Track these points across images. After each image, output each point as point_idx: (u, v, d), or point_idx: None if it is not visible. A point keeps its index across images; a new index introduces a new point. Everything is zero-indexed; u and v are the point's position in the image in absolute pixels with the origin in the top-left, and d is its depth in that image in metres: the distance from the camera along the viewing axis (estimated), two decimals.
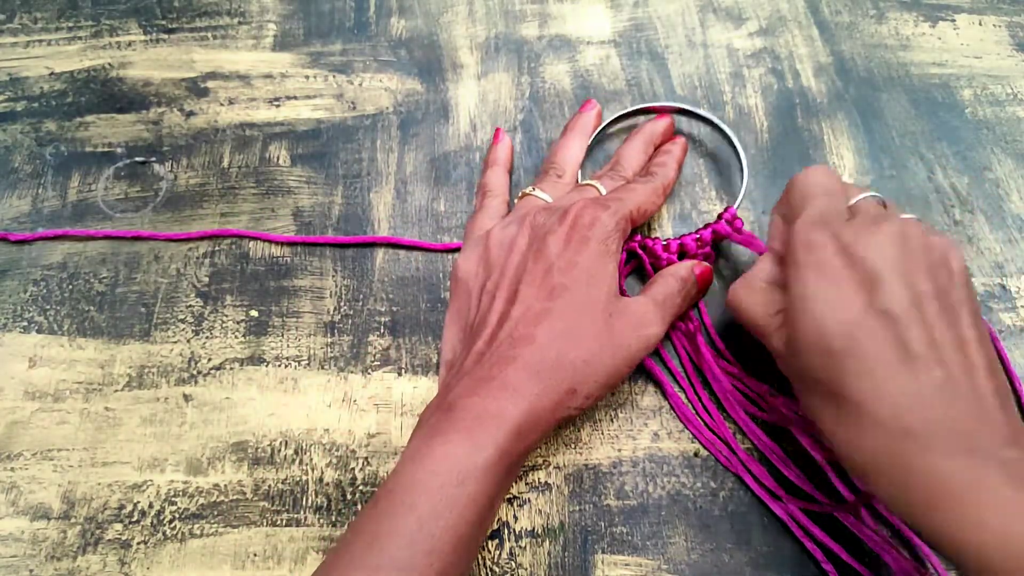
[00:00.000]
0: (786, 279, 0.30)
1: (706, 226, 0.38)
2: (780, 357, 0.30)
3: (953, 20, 0.49)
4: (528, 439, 0.29)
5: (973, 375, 0.26)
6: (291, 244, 0.41)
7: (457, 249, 0.40)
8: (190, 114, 0.46)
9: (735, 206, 0.38)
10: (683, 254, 0.38)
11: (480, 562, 0.32)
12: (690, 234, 0.38)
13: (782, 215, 0.34)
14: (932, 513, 0.23)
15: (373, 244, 0.40)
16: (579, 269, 0.32)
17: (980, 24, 0.49)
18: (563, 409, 0.30)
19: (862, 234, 0.28)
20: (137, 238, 0.41)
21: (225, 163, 0.44)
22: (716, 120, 0.42)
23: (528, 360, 0.29)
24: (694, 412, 0.36)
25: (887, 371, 0.26)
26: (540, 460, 0.35)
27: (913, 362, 0.26)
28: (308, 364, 0.37)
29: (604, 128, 0.43)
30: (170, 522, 0.33)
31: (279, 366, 0.37)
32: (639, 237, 0.39)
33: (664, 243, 0.38)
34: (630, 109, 0.44)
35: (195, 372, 0.37)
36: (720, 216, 0.38)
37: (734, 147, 0.41)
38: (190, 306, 0.39)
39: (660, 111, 0.43)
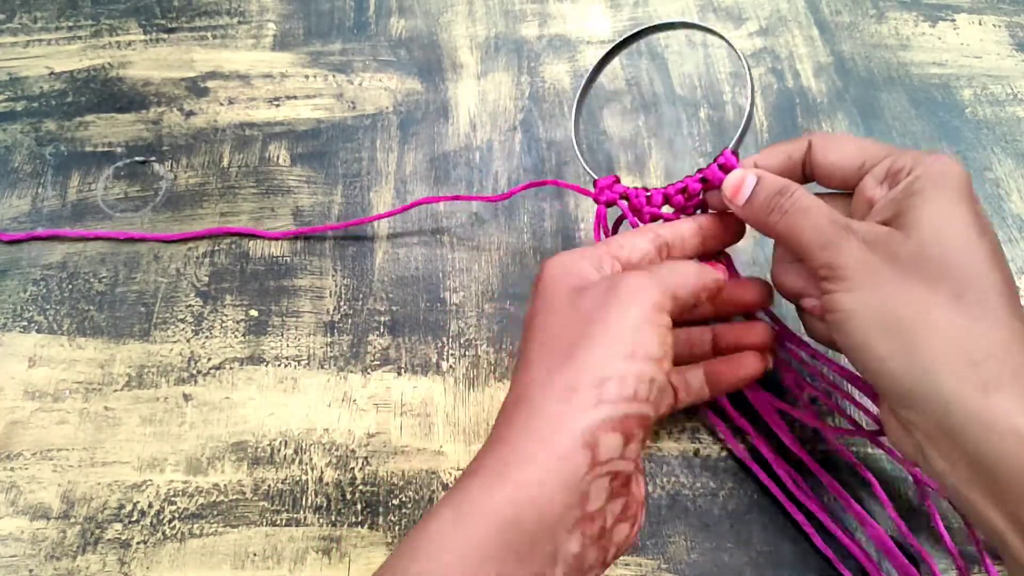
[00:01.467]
0: (912, 183, 0.27)
1: (697, 172, 0.33)
2: (865, 241, 0.26)
3: (953, 20, 0.49)
4: None
5: None
6: (294, 239, 0.41)
7: (491, 200, 0.39)
8: (190, 114, 0.46)
9: (730, 147, 0.32)
10: (672, 207, 0.34)
11: None
12: (676, 183, 0.33)
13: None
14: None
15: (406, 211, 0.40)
16: None
17: (980, 24, 0.49)
18: None
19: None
20: (131, 239, 0.41)
21: (225, 163, 0.44)
22: (724, 37, 0.35)
23: None
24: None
25: (1017, 299, 0.25)
26: None
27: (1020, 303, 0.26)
28: (308, 364, 0.37)
29: (602, 61, 0.39)
30: (170, 522, 0.33)
31: (279, 366, 0.37)
32: (620, 188, 0.34)
33: (648, 194, 0.34)
34: (630, 33, 0.38)
35: (195, 372, 0.37)
36: (715, 160, 0.32)
37: (746, 68, 0.34)
38: (190, 306, 0.39)
39: (661, 28, 0.38)
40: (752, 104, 0.32)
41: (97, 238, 0.41)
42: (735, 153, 0.32)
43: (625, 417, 0.23)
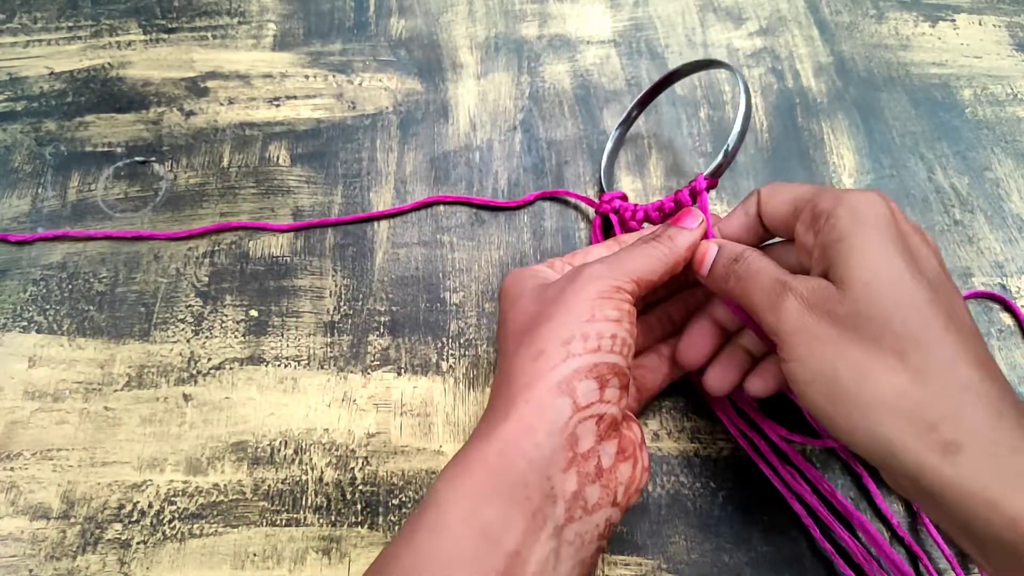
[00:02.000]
0: (835, 225, 0.26)
1: (675, 193, 0.36)
2: (804, 300, 0.26)
3: (953, 20, 0.49)
4: None
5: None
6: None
7: (503, 208, 0.42)
8: (190, 114, 0.46)
9: (705, 173, 0.35)
10: (649, 222, 0.37)
11: None
12: (654, 203, 0.37)
13: (735, 237, 0.32)
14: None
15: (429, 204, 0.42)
16: None
17: (980, 24, 0.49)
18: None
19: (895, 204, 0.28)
20: (137, 238, 0.41)
21: (225, 163, 0.44)
22: (729, 65, 0.38)
23: None
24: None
25: (970, 337, 0.25)
26: None
27: (978, 336, 0.26)
28: (308, 364, 0.37)
29: (620, 132, 0.43)
30: (170, 522, 0.33)
31: (279, 366, 0.37)
32: (617, 204, 0.38)
33: (633, 208, 0.38)
34: (654, 83, 0.42)
35: (195, 372, 0.37)
36: (690, 184, 0.35)
37: (748, 100, 0.36)
38: (190, 306, 0.39)
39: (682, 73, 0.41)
40: (739, 141, 0.35)
41: (105, 237, 0.41)
42: (709, 179, 0.35)
43: (594, 365, 0.26)
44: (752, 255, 0.29)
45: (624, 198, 0.39)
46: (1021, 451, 0.22)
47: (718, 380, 0.32)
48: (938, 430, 0.23)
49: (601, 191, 0.41)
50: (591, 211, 0.41)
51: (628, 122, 0.44)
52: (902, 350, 0.24)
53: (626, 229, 0.38)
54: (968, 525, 0.22)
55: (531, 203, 0.42)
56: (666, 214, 0.37)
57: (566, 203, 0.42)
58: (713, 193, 0.42)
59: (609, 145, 0.43)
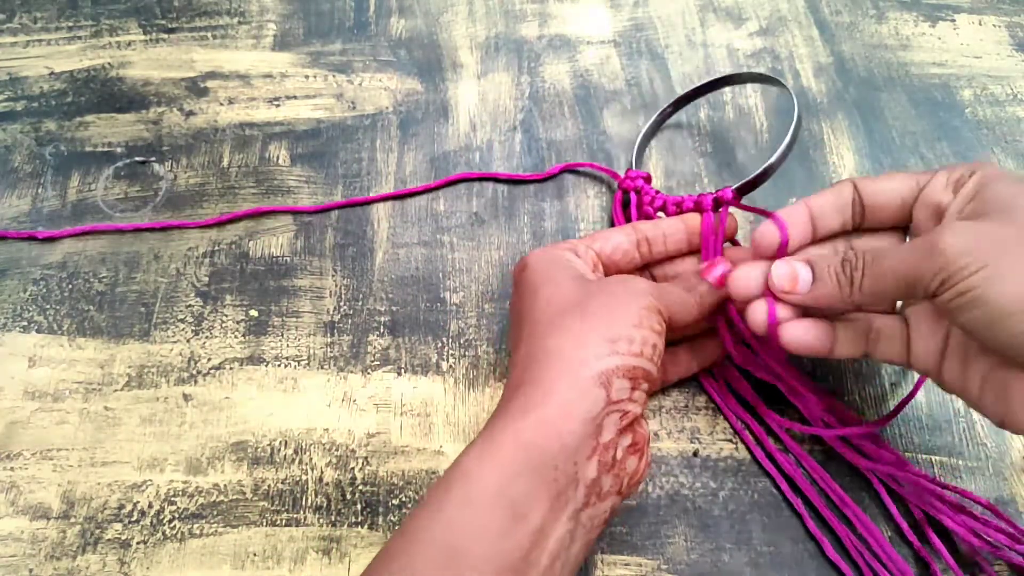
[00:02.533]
0: (980, 180, 0.27)
1: (699, 195, 0.37)
2: (973, 226, 0.26)
3: (953, 20, 0.49)
4: None
5: None
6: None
7: (530, 180, 0.43)
8: (190, 114, 0.46)
9: (733, 187, 0.36)
10: (664, 213, 0.38)
11: None
12: (676, 197, 0.38)
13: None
14: None
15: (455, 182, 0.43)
16: None
17: (980, 24, 0.49)
18: None
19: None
20: (164, 228, 0.41)
21: (225, 163, 0.44)
22: (782, 81, 0.39)
23: None
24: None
25: None
26: None
27: None
28: (308, 364, 0.37)
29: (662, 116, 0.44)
30: (170, 522, 0.33)
31: (279, 366, 0.37)
32: (640, 183, 0.39)
33: (655, 193, 0.39)
34: (696, 85, 0.43)
35: (195, 372, 0.37)
36: (716, 192, 0.36)
37: (798, 118, 0.37)
38: (190, 306, 0.39)
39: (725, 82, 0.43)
40: (784, 155, 0.36)
41: (136, 230, 0.41)
42: (735, 193, 0.35)
43: (633, 367, 0.28)
44: (858, 248, 0.28)
45: (648, 179, 0.40)
46: None
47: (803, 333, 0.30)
48: None
49: (629, 167, 0.41)
50: (592, 211, 0.41)
51: (665, 115, 0.44)
52: None
53: (641, 212, 0.39)
54: None
55: (555, 176, 0.43)
56: (682, 211, 0.37)
57: (566, 204, 0.42)
58: (711, 190, 0.42)
59: (645, 128, 0.43)
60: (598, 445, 0.26)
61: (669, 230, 0.35)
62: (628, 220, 0.40)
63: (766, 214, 0.31)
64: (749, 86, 0.46)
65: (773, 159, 0.35)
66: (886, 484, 0.33)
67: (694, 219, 0.36)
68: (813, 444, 0.35)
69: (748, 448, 0.35)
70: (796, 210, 0.31)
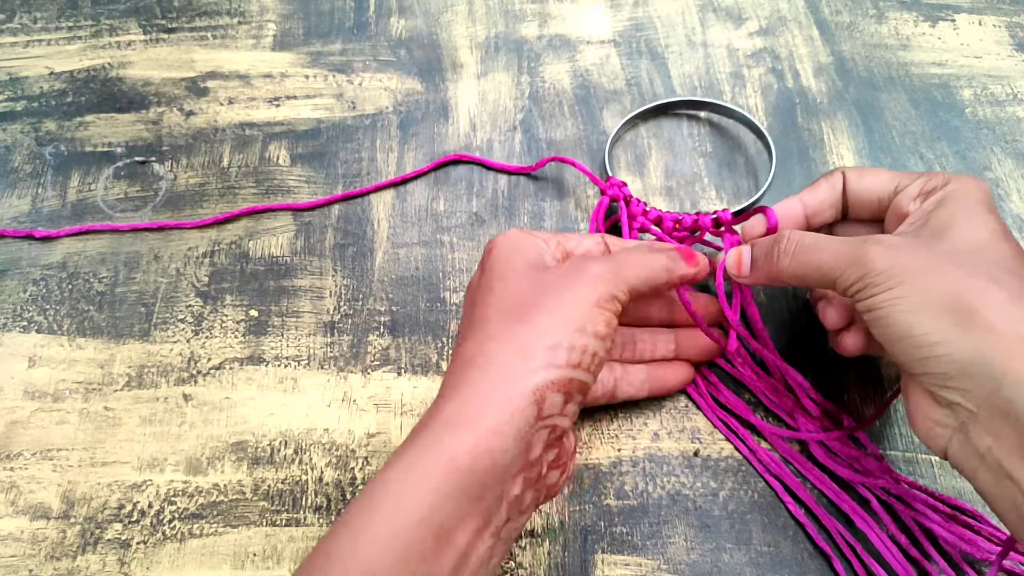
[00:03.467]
0: (943, 197, 0.29)
1: (696, 214, 0.37)
2: (899, 246, 0.28)
3: (953, 20, 0.49)
4: None
5: None
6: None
7: (518, 172, 0.43)
8: (190, 114, 0.46)
9: (732, 211, 0.36)
10: (658, 227, 0.38)
11: None
12: (673, 214, 0.38)
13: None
14: None
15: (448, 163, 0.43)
16: None
17: (980, 24, 0.49)
18: None
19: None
20: (162, 228, 0.41)
21: (225, 163, 0.44)
22: (750, 116, 0.41)
23: None
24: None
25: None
26: None
27: None
28: (308, 364, 0.37)
29: (621, 129, 0.44)
30: (170, 522, 0.33)
31: (279, 366, 0.37)
32: (627, 192, 0.39)
33: (647, 208, 0.38)
34: (654, 104, 0.44)
35: (195, 372, 0.37)
36: (715, 213, 0.37)
37: (767, 145, 0.40)
38: (190, 306, 0.39)
39: (677, 105, 0.43)
40: (769, 183, 0.39)
41: (135, 230, 0.41)
42: (734, 218, 0.36)
43: (569, 380, 0.26)
44: (794, 232, 0.30)
45: (625, 186, 0.39)
46: None
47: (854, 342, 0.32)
48: None
49: (606, 176, 0.41)
50: (588, 213, 0.41)
51: (631, 124, 0.44)
52: (996, 277, 0.26)
53: (631, 222, 0.38)
54: None
55: (543, 166, 0.43)
56: (683, 228, 0.38)
57: (566, 205, 0.42)
58: (713, 193, 0.42)
59: (613, 134, 0.43)
60: (526, 463, 0.26)
61: (650, 263, 0.32)
62: (611, 230, 0.39)
63: (759, 209, 0.33)
64: (749, 85, 0.46)
65: (761, 190, 0.39)
66: (874, 493, 0.33)
67: (676, 259, 0.32)
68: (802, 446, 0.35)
69: (739, 450, 0.35)
70: (789, 203, 0.33)
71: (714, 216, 0.36)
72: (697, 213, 0.37)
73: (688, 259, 0.31)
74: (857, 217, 0.33)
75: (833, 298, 0.32)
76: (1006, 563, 0.30)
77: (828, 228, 0.35)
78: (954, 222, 0.28)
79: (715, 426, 0.35)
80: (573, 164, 0.41)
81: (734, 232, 0.35)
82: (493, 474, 0.25)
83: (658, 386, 0.35)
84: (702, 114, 0.45)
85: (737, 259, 0.32)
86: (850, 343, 0.32)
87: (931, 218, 0.28)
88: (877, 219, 0.33)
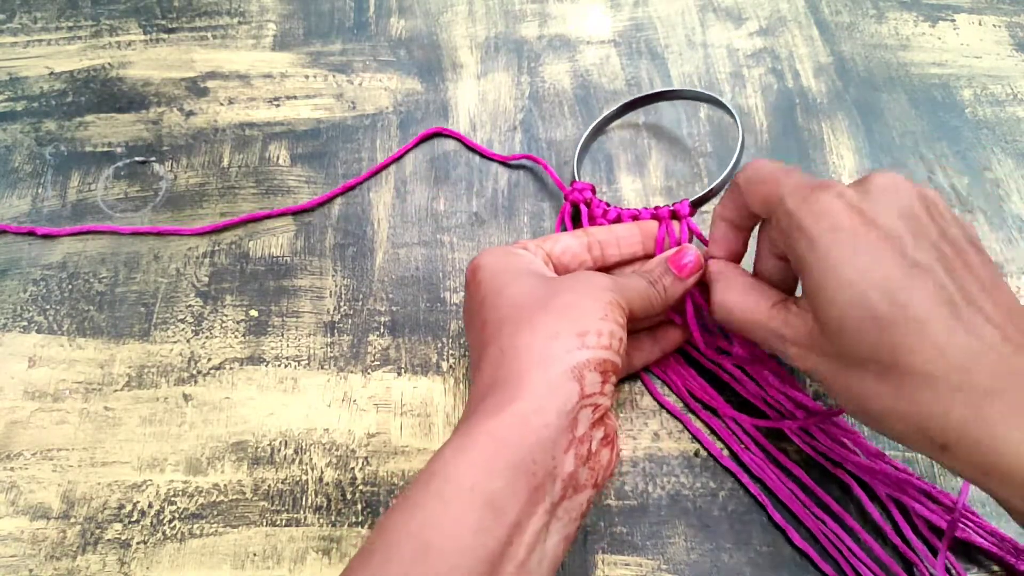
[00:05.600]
0: (797, 259, 0.27)
1: (655, 207, 0.37)
2: (800, 346, 0.28)
3: (953, 20, 0.49)
4: None
5: (1014, 317, 0.25)
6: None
7: (495, 159, 0.44)
8: (190, 114, 0.46)
9: (691, 199, 0.37)
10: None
11: None
12: (631, 210, 0.38)
13: (729, 219, 0.32)
14: (1011, 471, 0.22)
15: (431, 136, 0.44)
16: None
17: (980, 24, 0.49)
18: None
19: (862, 191, 0.27)
20: (159, 234, 0.41)
21: (225, 163, 0.44)
22: (722, 100, 0.40)
23: None
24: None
25: (940, 327, 0.24)
26: None
27: (960, 313, 0.24)
28: (308, 364, 0.37)
29: (601, 123, 0.43)
30: (170, 522, 0.33)
31: (279, 366, 0.37)
32: (588, 195, 0.39)
33: (607, 208, 0.38)
34: (629, 100, 0.43)
35: (195, 372, 0.37)
36: (673, 205, 0.37)
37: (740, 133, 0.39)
38: (190, 306, 0.39)
39: (656, 98, 0.43)
40: (734, 166, 0.38)
41: (135, 234, 0.41)
42: (692, 208, 0.37)
43: (603, 360, 0.28)
44: (730, 299, 0.31)
45: (593, 191, 0.39)
46: (1001, 443, 0.23)
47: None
48: (930, 438, 0.24)
49: (573, 179, 0.41)
50: None
51: (604, 123, 0.44)
52: (882, 373, 0.25)
53: (592, 223, 0.38)
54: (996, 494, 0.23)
55: (517, 160, 0.43)
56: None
57: None
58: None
59: (583, 139, 0.43)
60: (574, 439, 0.26)
61: (623, 234, 0.36)
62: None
63: (701, 238, 0.36)
64: (749, 85, 0.46)
65: (723, 176, 0.38)
66: (855, 476, 0.33)
67: (650, 225, 0.36)
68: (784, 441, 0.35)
69: (738, 456, 0.35)
70: (717, 225, 0.33)
71: (671, 209, 0.37)
72: (656, 207, 0.37)
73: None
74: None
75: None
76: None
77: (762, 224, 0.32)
78: (824, 296, 0.26)
79: (685, 424, 0.35)
80: (544, 167, 0.41)
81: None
82: (540, 448, 0.25)
83: (669, 346, 0.36)
84: (702, 114, 0.45)
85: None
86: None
87: (807, 292, 0.27)
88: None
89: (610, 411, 0.29)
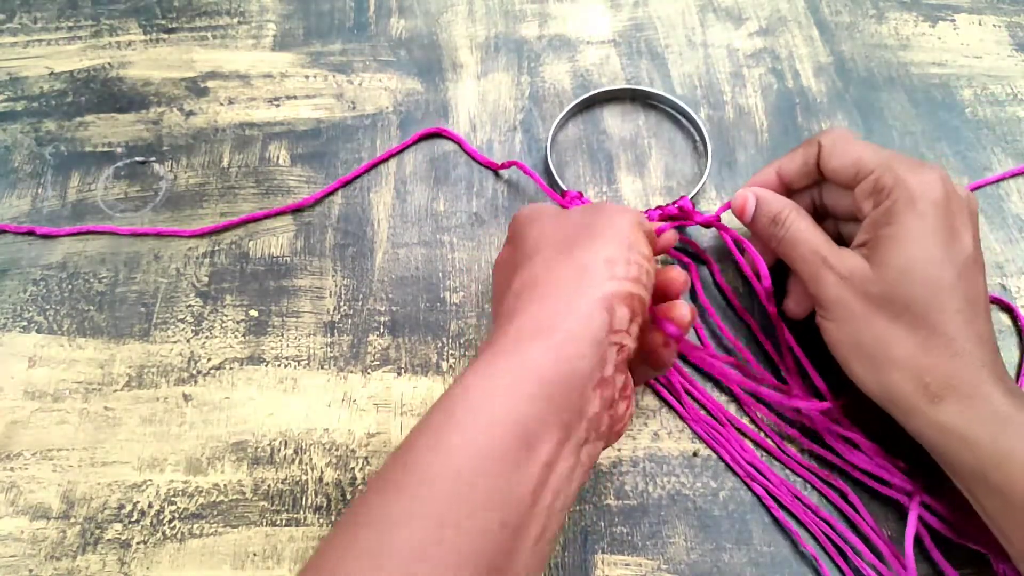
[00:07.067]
0: (885, 211, 0.31)
1: (658, 207, 0.39)
2: (843, 277, 0.31)
3: (953, 20, 0.49)
4: None
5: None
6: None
7: (486, 165, 0.44)
8: (190, 114, 0.46)
9: (690, 195, 0.39)
10: None
11: None
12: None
13: (787, 174, 0.35)
14: (999, 429, 0.28)
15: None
16: None
17: (980, 24, 0.49)
18: None
19: (957, 185, 0.31)
20: (159, 235, 0.41)
21: (225, 163, 0.44)
22: (680, 103, 0.43)
23: None
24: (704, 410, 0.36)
25: (976, 312, 0.30)
26: None
27: (984, 308, 0.30)
28: (308, 364, 0.37)
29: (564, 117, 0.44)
30: (170, 522, 0.33)
31: (279, 366, 0.37)
32: (580, 201, 0.39)
33: None
34: (590, 93, 0.45)
35: (195, 372, 0.37)
36: (675, 202, 0.38)
37: (699, 131, 0.42)
38: (190, 306, 0.39)
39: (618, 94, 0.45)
40: (708, 160, 0.41)
41: (134, 235, 0.41)
42: (693, 201, 0.39)
43: (630, 294, 0.26)
44: (792, 218, 0.33)
45: (580, 196, 0.40)
46: (990, 404, 0.28)
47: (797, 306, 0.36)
48: (931, 386, 0.29)
49: (561, 191, 0.41)
50: None
51: (568, 116, 0.45)
52: (916, 326, 0.30)
53: None
54: (948, 460, 0.29)
55: (507, 168, 0.43)
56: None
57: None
58: (712, 192, 0.42)
59: (552, 130, 0.43)
60: (602, 378, 0.25)
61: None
62: None
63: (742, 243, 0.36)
64: (749, 85, 0.46)
65: (696, 189, 0.41)
66: (855, 476, 0.33)
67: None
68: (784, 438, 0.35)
69: (714, 450, 0.35)
70: (767, 171, 0.36)
71: (676, 205, 0.38)
72: (659, 206, 0.38)
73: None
74: (833, 182, 0.35)
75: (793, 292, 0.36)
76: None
77: (815, 186, 0.36)
78: (890, 258, 0.30)
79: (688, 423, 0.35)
80: (531, 176, 0.41)
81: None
82: (573, 381, 0.24)
83: (661, 365, 0.36)
84: (703, 114, 0.45)
85: (742, 205, 0.36)
86: (792, 307, 0.36)
87: (875, 240, 0.31)
88: (852, 187, 0.33)
89: (626, 367, 0.27)
